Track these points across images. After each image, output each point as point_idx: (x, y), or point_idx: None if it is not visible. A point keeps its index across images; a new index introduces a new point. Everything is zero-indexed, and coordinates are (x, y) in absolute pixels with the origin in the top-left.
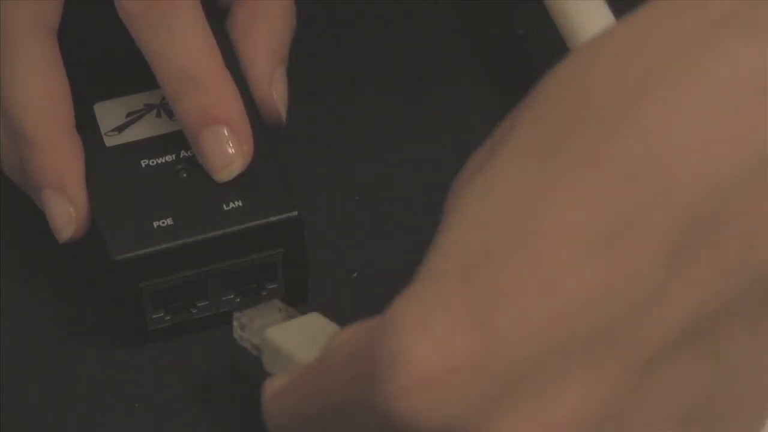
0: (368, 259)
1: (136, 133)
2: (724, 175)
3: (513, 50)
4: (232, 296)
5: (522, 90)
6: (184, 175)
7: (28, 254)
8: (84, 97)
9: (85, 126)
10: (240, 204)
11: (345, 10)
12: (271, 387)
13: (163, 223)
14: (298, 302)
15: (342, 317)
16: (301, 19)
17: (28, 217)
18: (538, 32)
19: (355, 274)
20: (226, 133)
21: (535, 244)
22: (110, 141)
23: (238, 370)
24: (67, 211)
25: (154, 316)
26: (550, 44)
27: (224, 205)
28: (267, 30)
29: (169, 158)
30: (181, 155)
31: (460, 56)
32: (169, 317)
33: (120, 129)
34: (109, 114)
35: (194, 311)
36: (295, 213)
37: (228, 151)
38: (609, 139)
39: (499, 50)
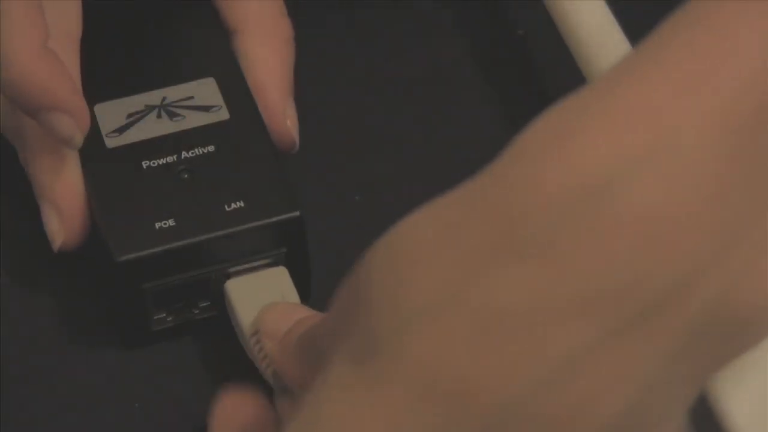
0: None
1: (137, 134)
2: (509, 392)
3: (513, 50)
4: None
5: (522, 90)
6: (186, 175)
7: (28, 255)
8: (85, 98)
9: None
10: (242, 204)
11: (344, 10)
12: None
13: (165, 224)
14: (300, 301)
15: None
16: (300, 20)
17: (28, 217)
18: (538, 32)
19: None
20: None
21: None
22: (111, 142)
23: (238, 371)
24: (56, 223)
25: (156, 317)
26: (550, 44)
27: (226, 206)
28: (277, 59)
29: (170, 159)
30: (183, 156)
31: (460, 56)
32: (171, 318)
33: (121, 130)
34: (109, 115)
35: (196, 312)
36: (297, 213)
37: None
38: (395, 359)
39: (499, 50)
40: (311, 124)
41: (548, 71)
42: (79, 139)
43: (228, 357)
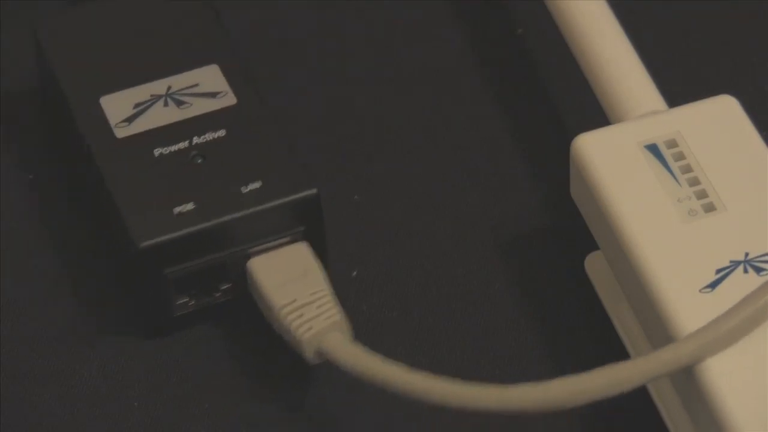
0: (368, 259)
1: (145, 123)
2: None
3: (512, 49)
4: None
5: (520, 89)
6: (199, 160)
7: (27, 253)
8: (90, 91)
9: (94, 119)
10: (259, 185)
11: (343, 9)
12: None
13: (184, 208)
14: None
15: None
16: (299, 19)
17: (27, 215)
18: (537, 31)
19: (354, 273)
20: None
21: None
22: (121, 132)
23: (238, 369)
24: None
25: (178, 302)
26: (548, 43)
27: (243, 187)
28: None
29: (182, 145)
30: (194, 142)
31: (459, 55)
32: (193, 302)
33: (129, 120)
34: (116, 106)
35: (217, 295)
36: (315, 190)
37: None
38: None
39: (497, 50)
40: (310, 123)
41: (547, 70)
42: None
43: (228, 356)
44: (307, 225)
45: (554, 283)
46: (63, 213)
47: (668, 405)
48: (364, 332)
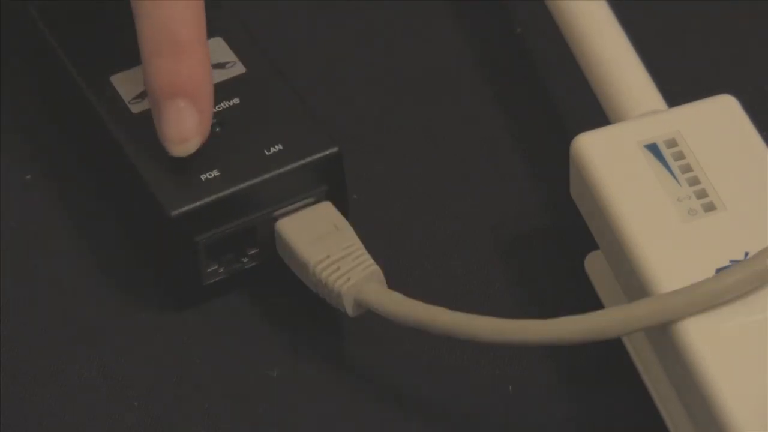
0: None
1: None
2: None
3: (511, 49)
4: None
5: (519, 88)
6: (218, 129)
7: (27, 253)
8: (101, 70)
9: (109, 97)
10: (281, 147)
11: (343, 9)
12: None
13: (210, 174)
14: None
15: (342, 316)
16: (298, 20)
17: (27, 215)
18: (536, 31)
19: None
20: (190, 109)
21: None
22: (136, 108)
23: (235, 369)
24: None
25: (208, 270)
26: (548, 43)
27: (266, 151)
28: None
29: None
30: None
31: (457, 54)
32: (222, 269)
33: (142, 96)
34: (127, 84)
35: (245, 260)
36: (336, 148)
37: (187, 127)
38: None
39: (497, 49)
40: None
41: (546, 69)
42: (194, 144)
43: (228, 355)
44: (330, 184)
45: (554, 283)
46: (62, 213)
47: (669, 406)
48: (365, 331)
